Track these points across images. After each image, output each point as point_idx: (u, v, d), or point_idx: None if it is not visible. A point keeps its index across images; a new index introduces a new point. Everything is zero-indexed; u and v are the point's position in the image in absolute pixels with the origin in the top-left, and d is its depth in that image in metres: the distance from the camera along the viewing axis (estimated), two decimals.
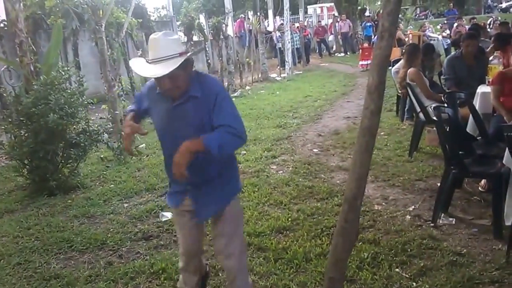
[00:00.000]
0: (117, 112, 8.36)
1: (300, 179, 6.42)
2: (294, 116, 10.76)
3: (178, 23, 20.22)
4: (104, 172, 7.44)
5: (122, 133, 3.18)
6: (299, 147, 8.26)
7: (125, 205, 6.09)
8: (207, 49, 16.62)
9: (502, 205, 4.45)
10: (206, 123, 2.95)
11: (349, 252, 3.19)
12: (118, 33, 10.92)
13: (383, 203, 5.51)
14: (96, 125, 7.19)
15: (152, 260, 4.51)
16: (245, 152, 7.94)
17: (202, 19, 19.42)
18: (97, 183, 7.01)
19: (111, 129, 8.01)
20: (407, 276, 3.93)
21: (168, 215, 5.52)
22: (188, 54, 2.92)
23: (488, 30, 14.99)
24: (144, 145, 8.84)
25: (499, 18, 23.50)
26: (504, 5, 45.62)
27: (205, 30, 17.40)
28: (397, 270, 4.02)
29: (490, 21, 19.99)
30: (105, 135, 7.40)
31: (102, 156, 8.08)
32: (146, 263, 4.46)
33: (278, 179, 6.53)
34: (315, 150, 8.00)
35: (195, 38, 16.15)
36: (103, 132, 7.25)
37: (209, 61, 16.86)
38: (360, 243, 4.42)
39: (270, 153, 7.71)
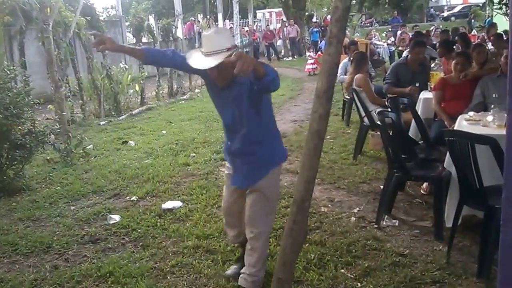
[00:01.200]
0: (64, 113, 8.21)
1: None
2: None
3: (127, 23, 19.99)
4: (51, 174, 7.27)
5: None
6: None
7: (72, 207, 5.99)
8: None
9: (443, 207, 4.62)
10: (249, 100, 3.43)
11: (297, 253, 3.26)
12: (65, 32, 10.75)
13: (329, 205, 5.62)
14: (43, 126, 7.08)
15: (100, 263, 4.46)
16: (194, 154, 7.95)
17: (151, 20, 19.26)
18: (43, 185, 6.86)
19: (58, 130, 7.88)
20: (352, 276, 4.03)
21: (116, 217, 5.47)
22: (235, 48, 3.34)
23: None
24: (91, 145, 8.73)
25: (441, 26, 24.23)
26: (445, 14, 47.21)
27: (154, 32, 17.26)
28: (342, 270, 4.12)
29: (433, 29, 20.51)
30: (52, 136, 7.29)
31: (48, 157, 7.89)
32: (93, 267, 4.41)
33: None
34: None
35: (144, 39, 15.98)
36: (50, 133, 7.13)
37: None
38: (307, 245, 4.49)
39: (219, 156, 7.66)
